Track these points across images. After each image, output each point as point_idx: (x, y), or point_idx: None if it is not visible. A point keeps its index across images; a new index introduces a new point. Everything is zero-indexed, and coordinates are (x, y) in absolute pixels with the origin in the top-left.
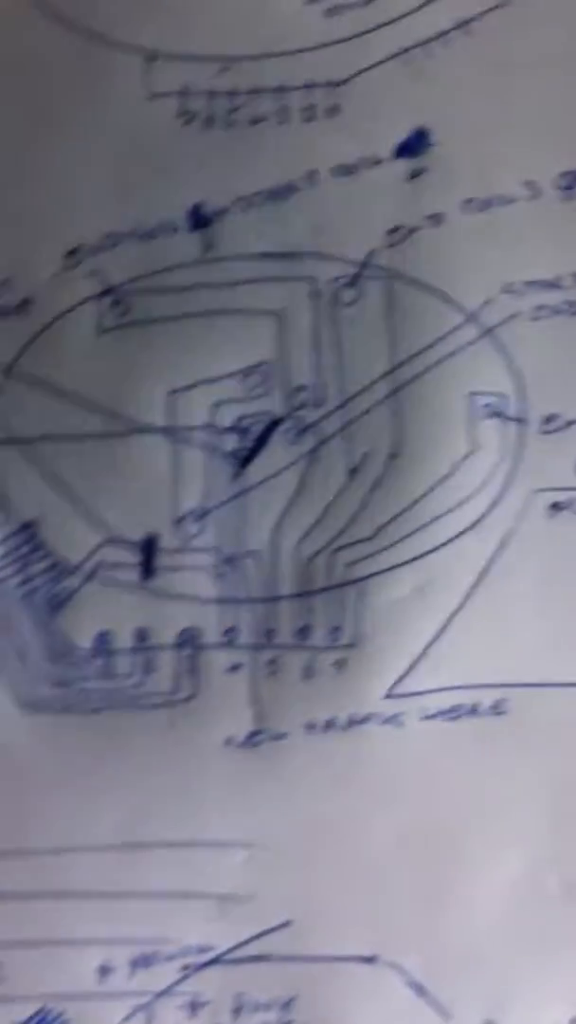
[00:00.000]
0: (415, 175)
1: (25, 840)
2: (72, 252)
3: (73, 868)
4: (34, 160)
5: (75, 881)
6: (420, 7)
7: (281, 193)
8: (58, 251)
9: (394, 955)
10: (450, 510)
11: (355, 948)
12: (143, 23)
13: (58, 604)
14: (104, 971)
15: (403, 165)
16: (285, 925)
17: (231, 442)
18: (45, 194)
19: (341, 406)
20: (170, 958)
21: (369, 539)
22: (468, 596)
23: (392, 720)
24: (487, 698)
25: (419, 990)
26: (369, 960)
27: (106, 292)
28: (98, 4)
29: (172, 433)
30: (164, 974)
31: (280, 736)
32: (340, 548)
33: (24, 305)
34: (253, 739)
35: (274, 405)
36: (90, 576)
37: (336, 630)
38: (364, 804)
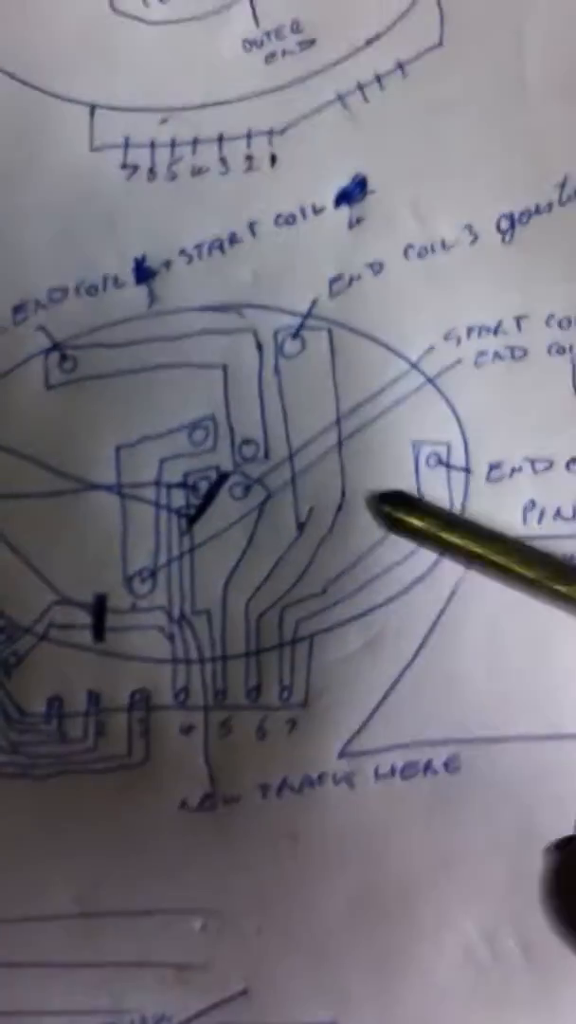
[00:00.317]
0: (355, 223)
1: None
2: (18, 307)
3: (27, 938)
4: None
5: (30, 952)
6: (357, 51)
7: (223, 244)
8: (5, 306)
9: (352, 1020)
10: (398, 562)
11: (313, 1015)
12: (84, 74)
13: (9, 667)
14: None
15: (343, 213)
16: (242, 994)
17: (179, 498)
18: None
19: (288, 459)
20: None
21: (318, 595)
22: (419, 650)
23: (346, 779)
24: (440, 754)
25: None
26: None
27: (53, 348)
28: (41, 56)
29: (120, 490)
30: None
31: (234, 799)
32: (290, 604)
33: None
34: (206, 803)
35: (221, 460)
36: (41, 638)
37: (287, 688)
38: (318, 867)
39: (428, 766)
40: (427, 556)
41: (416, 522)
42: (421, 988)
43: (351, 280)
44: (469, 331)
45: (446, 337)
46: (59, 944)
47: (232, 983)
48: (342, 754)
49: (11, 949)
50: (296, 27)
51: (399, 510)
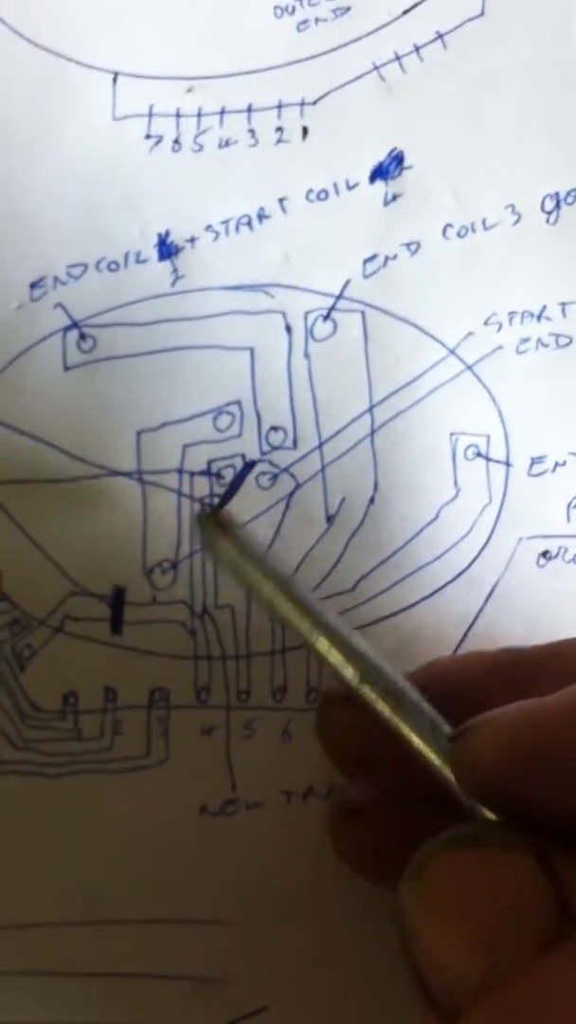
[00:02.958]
0: (391, 200)
1: None
2: (36, 283)
3: (35, 946)
4: None
5: (38, 960)
6: (394, 19)
7: (251, 221)
8: (23, 282)
9: None
10: (434, 559)
11: None
12: (107, 41)
13: (23, 660)
14: None
15: (379, 189)
16: (263, 1010)
17: (202, 487)
18: (8, 220)
19: (317, 448)
20: None
21: (349, 591)
22: (455, 652)
23: None
24: None
25: None
26: None
27: (71, 326)
28: (62, 21)
29: (140, 478)
30: None
31: (256, 805)
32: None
33: None
34: (228, 808)
35: (247, 447)
36: (56, 631)
37: (313, 691)
38: (344, 878)
39: None
40: (464, 554)
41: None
42: None
43: (386, 260)
44: (511, 316)
45: (486, 322)
46: (69, 953)
47: (252, 999)
48: None
49: (18, 957)
50: None
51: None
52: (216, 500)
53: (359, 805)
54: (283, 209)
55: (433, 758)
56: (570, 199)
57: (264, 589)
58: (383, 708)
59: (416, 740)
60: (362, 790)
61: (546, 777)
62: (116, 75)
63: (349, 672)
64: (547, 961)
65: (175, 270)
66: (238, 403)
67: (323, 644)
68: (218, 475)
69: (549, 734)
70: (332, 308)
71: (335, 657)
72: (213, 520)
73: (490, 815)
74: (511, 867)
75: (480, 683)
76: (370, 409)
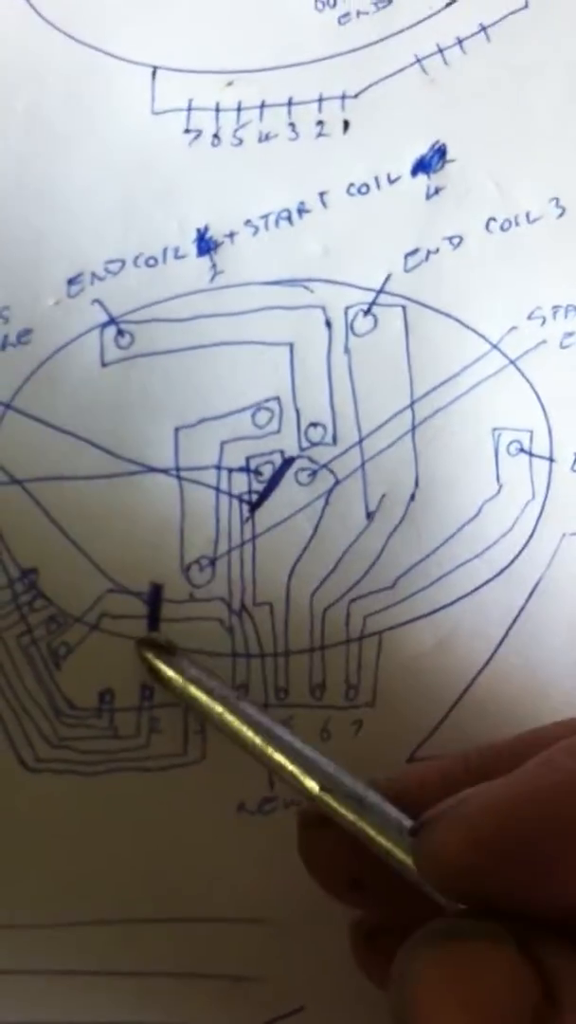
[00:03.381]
0: (433, 193)
1: (18, 912)
2: (73, 279)
3: (71, 944)
4: (35, 178)
5: (73, 959)
6: (436, 12)
7: (291, 215)
8: (60, 278)
9: None
10: (476, 556)
11: None
12: (146, 35)
13: (59, 658)
14: None
15: (421, 183)
16: (299, 1011)
17: (241, 483)
18: (47, 215)
19: (357, 444)
20: None
21: (388, 589)
22: (495, 651)
23: None
24: None
25: None
26: None
27: (109, 322)
28: (101, 15)
29: (178, 474)
30: None
31: (295, 803)
32: (357, 598)
33: (24, 335)
34: (266, 806)
35: (286, 443)
36: (92, 628)
37: (354, 688)
38: None
39: None
40: (506, 551)
41: (168, 671)
42: None
43: (428, 254)
44: (555, 311)
45: (530, 317)
46: (104, 952)
47: (289, 998)
48: (411, 759)
49: (53, 956)
50: None
51: (159, 657)
52: (255, 496)
53: (376, 929)
54: (323, 203)
55: (403, 858)
56: None
57: (214, 710)
58: (347, 813)
59: (383, 841)
60: (377, 912)
61: (507, 867)
62: (155, 69)
63: (309, 783)
64: None
65: (214, 265)
66: (277, 399)
67: (280, 759)
68: (256, 472)
69: (506, 823)
70: (373, 303)
71: (294, 770)
72: (155, 646)
73: (459, 906)
74: (493, 960)
75: (456, 783)
76: (411, 405)
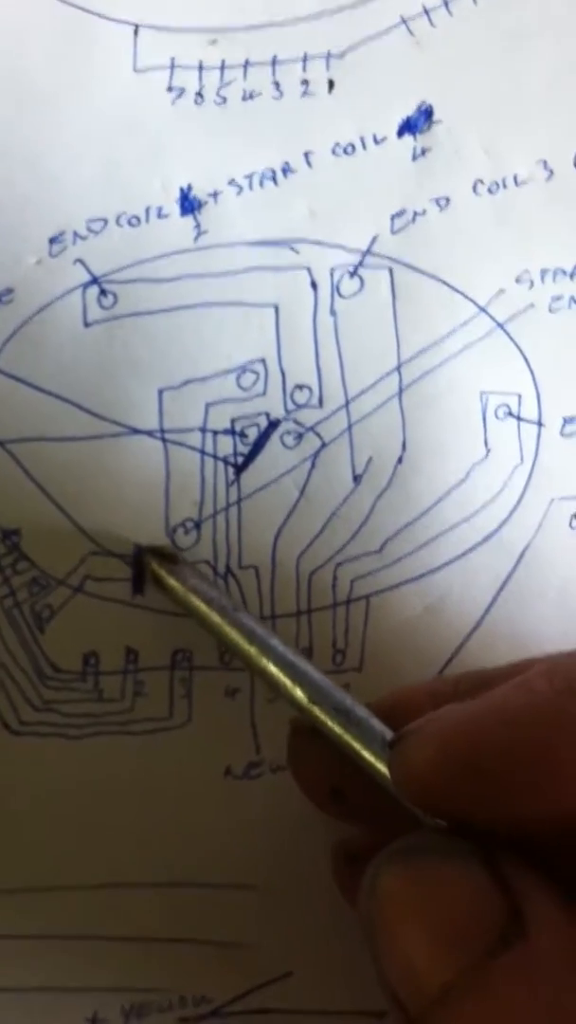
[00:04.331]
0: (420, 154)
1: (5, 877)
2: (55, 238)
3: (56, 909)
4: (16, 137)
5: (59, 923)
6: None
7: (276, 175)
8: (42, 237)
9: None
10: (464, 520)
11: (364, 1001)
12: None
13: (42, 621)
14: (95, 1022)
15: (407, 144)
16: (287, 976)
17: (226, 446)
18: (28, 174)
19: (344, 406)
20: (165, 1009)
21: (376, 553)
22: (484, 615)
23: None
24: None
25: None
26: (379, 1016)
27: (92, 282)
28: None
29: (163, 436)
30: None
31: (282, 768)
32: (344, 562)
33: (6, 295)
34: (252, 771)
35: (271, 406)
36: (76, 591)
37: (341, 652)
38: None
39: None
40: (494, 515)
41: (170, 579)
42: None
43: (415, 215)
44: (543, 274)
45: (518, 280)
46: (90, 916)
47: (276, 964)
48: None
49: (39, 920)
50: None
51: (162, 565)
52: (240, 459)
53: (359, 850)
54: (308, 163)
55: (383, 771)
56: None
57: (211, 619)
58: (333, 726)
59: (366, 754)
60: (360, 835)
61: (477, 783)
62: (137, 27)
63: (298, 694)
64: (495, 967)
65: (197, 225)
66: (262, 361)
67: (272, 669)
68: (242, 434)
69: (477, 739)
70: (359, 264)
71: (284, 681)
72: (159, 554)
73: (438, 822)
74: (459, 875)
75: (444, 703)
76: (398, 367)
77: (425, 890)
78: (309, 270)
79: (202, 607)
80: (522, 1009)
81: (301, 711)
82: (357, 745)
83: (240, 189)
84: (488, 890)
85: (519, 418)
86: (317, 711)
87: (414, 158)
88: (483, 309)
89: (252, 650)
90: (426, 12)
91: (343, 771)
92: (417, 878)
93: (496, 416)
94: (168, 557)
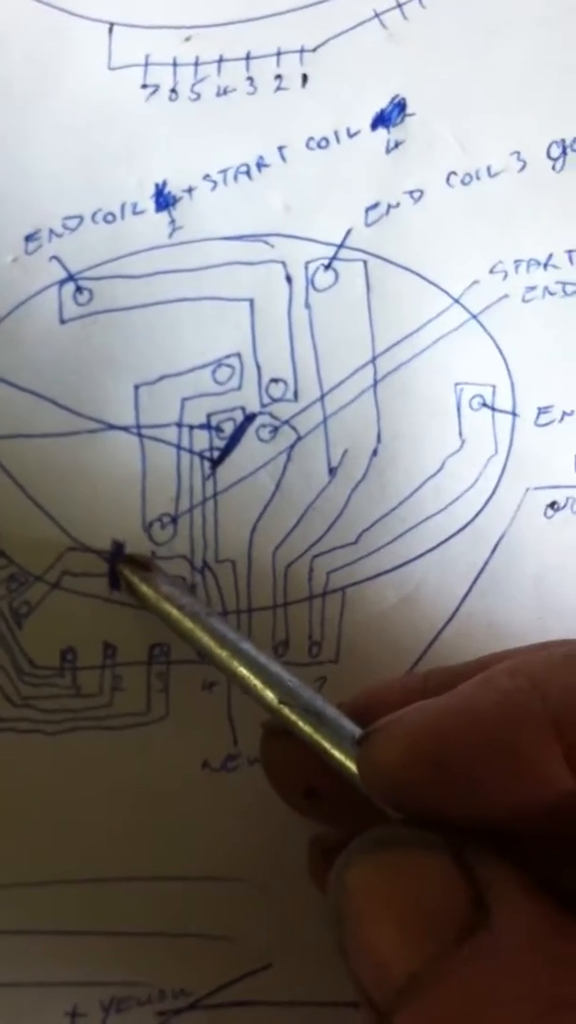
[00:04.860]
0: (394, 147)
1: None
2: (31, 236)
3: (35, 904)
4: None
5: (38, 919)
6: None
7: (250, 170)
8: (17, 235)
9: None
10: (439, 511)
11: (343, 993)
12: None
13: (20, 617)
14: (75, 1016)
15: (381, 137)
16: (266, 968)
17: (202, 441)
18: (3, 172)
19: (319, 400)
20: (144, 1002)
21: (352, 544)
22: (459, 606)
23: None
24: None
25: None
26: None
27: (67, 279)
28: None
29: (139, 432)
30: (138, 1020)
31: (258, 760)
32: (320, 554)
33: None
34: (230, 763)
35: (247, 400)
36: (54, 587)
37: (317, 644)
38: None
39: None
40: (470, 506)
41: (143, 586)
42: None
43: (389, 208)
44: (517, 265)
45: (492, 271)
46: (69, 911)
47: (255, 956)
48: None
49: (18, 915)
50: None
51: (135, 572)
52: (216, 453)
53: (335, 844)
54: (283, 157)
55: (352, 767)
56: None
57: (184, 624)
58: (304, 726)
59: (336, 753)
60: (337, 830)
61: (444, 779)
62: (112, 25)
63: (269, 695)
64: (459, 956)
65: (172, 221)
66: (238, 355)
67: (243, 672)
68: (218, 428)
69: (443, 737)
70: (334, 258)
71: (255, 683)
72: (132, 562)
73: (401, 816)
74: (426, 866)
75: (413, 700)
76: (373, 360)
77: (392, 881)
78: (284, 264)
79: (174, 612)
80: (488, 994)
81: (272, 712)
82: (327, 744)
83: (215, 184)
84: (454, 879)
85: (493, 408)
86: (287, 712)
87: (388, 151)
88: (457, 300)
89: (223, 654)
90: (399, 5)
91: (316, 771)
92: (385, 869)
93: (471, 407)
94: (141, 564)
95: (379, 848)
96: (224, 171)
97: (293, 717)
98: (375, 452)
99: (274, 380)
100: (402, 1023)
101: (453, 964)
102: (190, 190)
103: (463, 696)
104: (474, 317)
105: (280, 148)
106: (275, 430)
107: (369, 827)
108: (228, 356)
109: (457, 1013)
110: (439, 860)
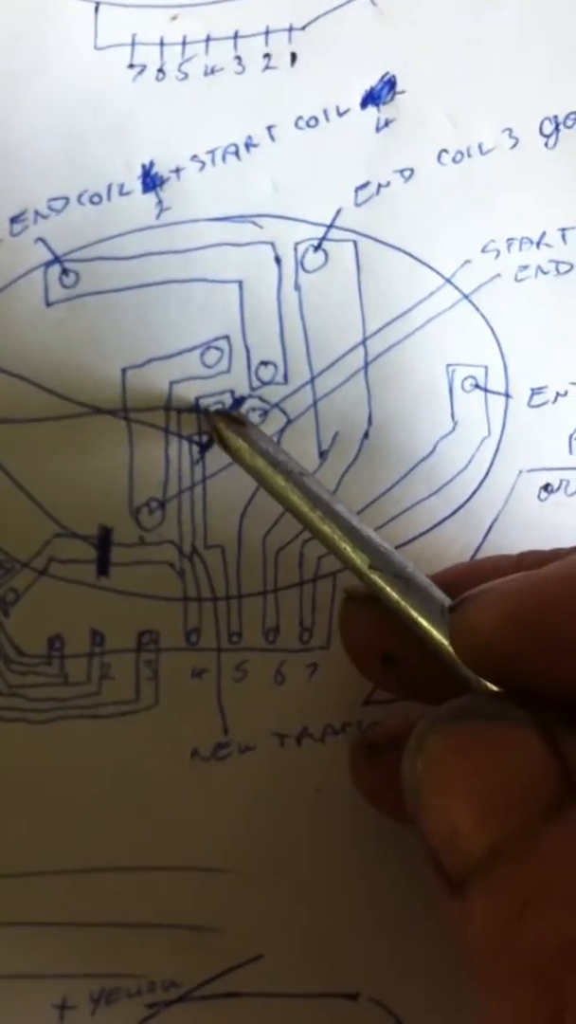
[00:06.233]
0: (384, 126)
1: None
2: (16, 218)
3: (23, 895)
4: None
5: (25, 910)
6: None
7: (239, 149)
8: (2, 216)
9: (378, 992)
10: (432, 494)
11: (335, 984)
12: None
13: (6, 604)
14: (63, 1009)
15: (371, 115)
16: (256, 959)
17: (190, 425)
18: None
19: (309, 382)
20: (134, 994)
21: None
22: None
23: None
24: None
25: None
26: (352, 997)
27: (53, 261)
28: None
29: (126, 416)
30: (128, 1012)
31: (249, 748)
32: (310, 540)
33: None
34: (220, 752)
35: (236, 383)
36: (41, 573)
37: (308, 630)
38: (342, 823)
39: None
40: (463, 488)
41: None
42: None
43: (379, 187)
44: (509, 243)
45: (484, 250)
46: (59, 902)
47: (246, 947)
48: (368, 701)
49: (5, 907)
50: None
51: (228, 427)
52: (205, 438)
53: (379, 740)
54: (272, 137)
55: (439, 637)
56: (569, 122)
57: (276, 482)
58: (392, 592)
59: (423, 621)
60: (381, 727)
61: (544, 646)
62: (98, 4)
63: (359, 559)
64: (547, 832)
65: (160, 202)
66: (226, 338)
67: (334, 533)
68: (206, 412)
69: (547, 602)
70: (323, 238)
71: (346, 545)
72: (226, 417)
73: (491, 687)
74: (511, 739)
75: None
76: (363, 341)
77: (476, 752)
78: (273, 245)
79: (268, 470)
80: (564, 875)
81: (360, 577)
82: (415, 612)
83: (203, 165)
84: (543, 756)
85: (486, 390)
86: (376, 577)
87: (378, 129)
88: (449, 280)
89: (316, 515)
90: None
91: (396, 639)
92: (468, 740)
93: (463, 388)
94: (235, 420)
95: (463, 718)
96: (212, 151)
97: (381, 582)
98: (366, 435)
99: (263, 363)
100: (481, 894)
101: (540, 840)
102: (178, 171)
103: (568, 563)
104: (466, 297)
105: (269, 128)
106: (265, 413)
107: (446, 700)
108: (217, 339)
109: (542, 887)
110: (526, 734)
